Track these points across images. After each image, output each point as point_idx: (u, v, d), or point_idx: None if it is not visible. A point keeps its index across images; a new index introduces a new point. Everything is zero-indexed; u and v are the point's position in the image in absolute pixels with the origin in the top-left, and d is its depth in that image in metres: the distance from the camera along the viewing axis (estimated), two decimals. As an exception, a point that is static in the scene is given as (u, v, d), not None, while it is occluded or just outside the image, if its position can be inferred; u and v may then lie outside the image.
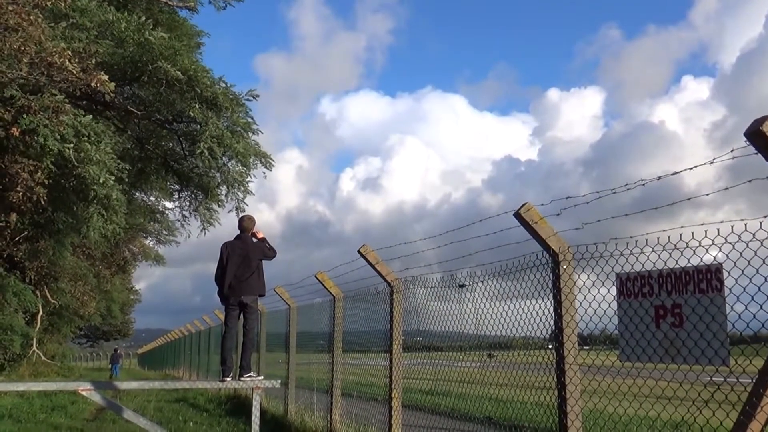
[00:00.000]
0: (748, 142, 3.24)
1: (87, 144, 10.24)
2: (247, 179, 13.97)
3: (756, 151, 3.25)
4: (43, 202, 11.80)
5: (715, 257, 3.71)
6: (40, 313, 28.59)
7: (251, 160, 13.58)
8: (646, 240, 3.98)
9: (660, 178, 3.96)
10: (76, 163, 10.20)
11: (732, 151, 3.41)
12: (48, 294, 28.22)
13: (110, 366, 43.13)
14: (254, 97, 13.02)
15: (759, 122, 3.12)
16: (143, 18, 11.84)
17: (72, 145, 10.06)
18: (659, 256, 3.95)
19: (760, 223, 3.33)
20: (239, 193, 14.20)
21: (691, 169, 3.81)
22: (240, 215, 11.95)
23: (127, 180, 12.11)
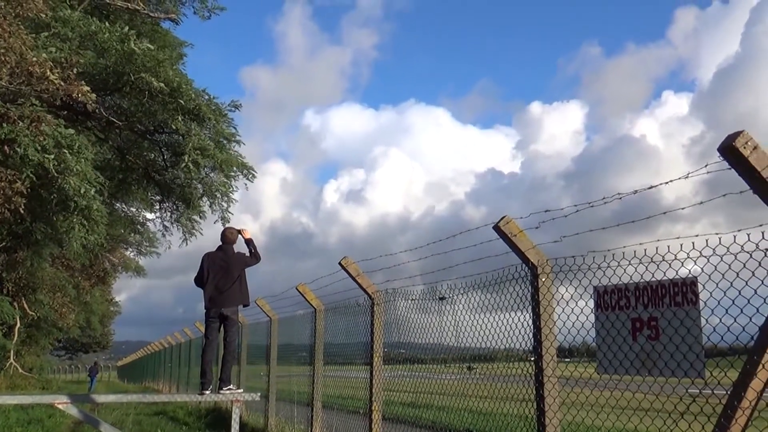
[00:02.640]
0: (721, 157, 3.28)
1: (68, 155, 10.16)
2: (230, 189, 13.96)
3: (729, 166, 3.29)
4: (22, 212, 11.67)
5: (690, 270, 3.75)
6: (18, 325, 28.23)
7: (233, 171, 13.57)
8: (623, 253, 4.02)
9: (636, 192, 4.00)
10: (56, 174, 10.12)
11: (706, 165, 3.45)
12: (26, 306, 27.86)
13: (89, 378, 42.75)
14: (236, 108, 13.06)
15: (732, 138, 3.16)
16: (126, 28, 11.81)
17: (53, 156, 9.98)
18: (636, 269, 3.99)
19: (734, 236, 3.38)
20: (223, 203, 14.18)
21: (667, 183, 3.85)
22: (225, 226, 11.89)
23: (107, 191, 12.03)
